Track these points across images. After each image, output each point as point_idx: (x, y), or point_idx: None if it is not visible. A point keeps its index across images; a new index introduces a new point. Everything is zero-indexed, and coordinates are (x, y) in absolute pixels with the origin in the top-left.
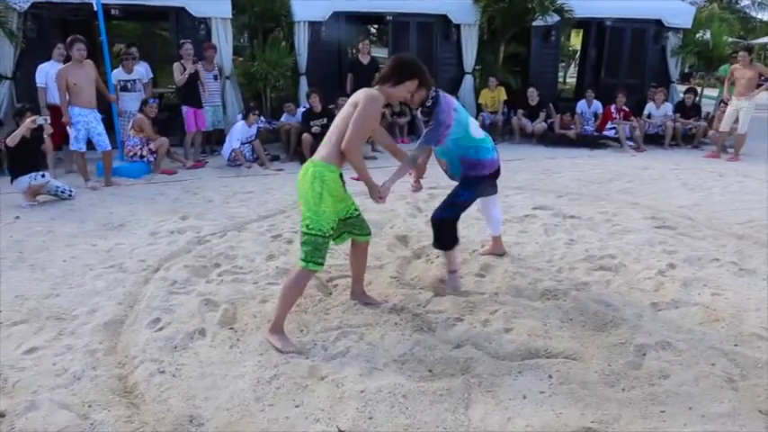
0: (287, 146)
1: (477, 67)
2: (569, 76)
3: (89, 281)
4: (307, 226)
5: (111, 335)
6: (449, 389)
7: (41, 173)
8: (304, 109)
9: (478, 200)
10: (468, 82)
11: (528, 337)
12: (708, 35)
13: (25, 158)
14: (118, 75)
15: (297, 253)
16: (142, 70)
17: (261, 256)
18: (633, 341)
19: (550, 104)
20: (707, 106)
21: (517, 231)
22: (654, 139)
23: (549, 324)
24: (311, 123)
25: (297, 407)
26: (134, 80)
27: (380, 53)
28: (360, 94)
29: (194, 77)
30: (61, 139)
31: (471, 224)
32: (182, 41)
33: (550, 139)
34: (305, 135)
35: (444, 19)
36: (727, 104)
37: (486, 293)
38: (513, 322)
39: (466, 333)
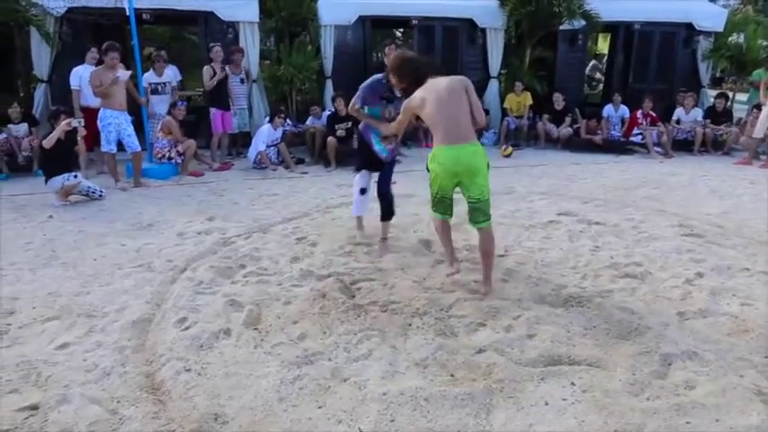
0: (312, 149)
1: (502, 72)
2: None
3: (118, 279)
4: (485, 193)
5: (140, 333)
6: (470, 393)
7: (74, 173)
8: (329, 112)
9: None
10: (493, 86)
11: (551, 344)
12: (741, 38)
13: (59, 159)
14: (148, 78)
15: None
16: (171, 73)
17: (285, 258)
18: (658, 350)
19: (576, 109)
20: (739, 111)
21: (541, 237)
22: (683, 146)
23: (572, 331)
24: (336, 127)
25: (319, 408)
26: (164, 83)
27: None
28: (455, 81)
29: (222, 80)
30: (93, 140)
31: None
32: (211, 45)
33: (576, 144)
34: (330, 138)
35: (470, 23)
36: (760, 109)
37: (509, 299)
38: (536, 328)
39: (488, 338)
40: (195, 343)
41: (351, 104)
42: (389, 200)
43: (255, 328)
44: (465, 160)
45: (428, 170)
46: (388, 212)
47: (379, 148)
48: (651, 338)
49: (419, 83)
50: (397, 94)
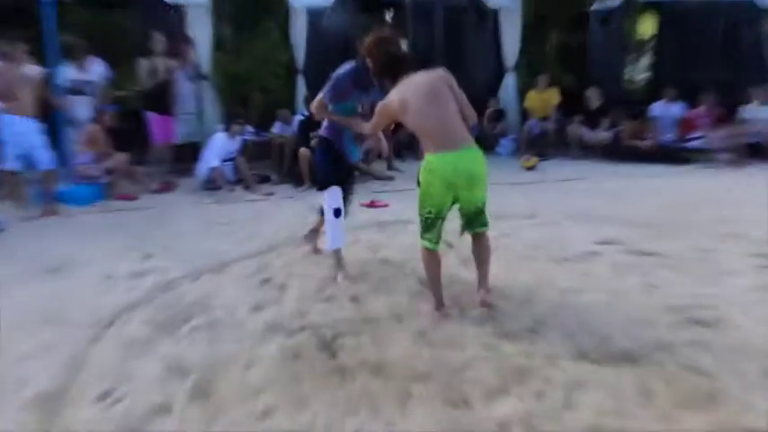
0: (279, 164)
1: (521, 63)
2: (639, 71)
3: (21, 340)
4: (484, 203)
5: (48, 412)
6: None
7: None
8: (302, 117)
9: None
10: (509, 81)
11: (596, 416)
12: None
13: None
14: (68, 74)
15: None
16: (98, 69)
17: (246, 307)
18: (740, 423)
19: (616, 108)
20: None
21: (577, 274)
22: (757, 152)
23: (623, 398)
24: (310, 135)
25: None
26: (88, 81)
27: None
28: (434, 78)
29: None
30: None
31: (515, 264)
32: (151, 32)
33: (617, 152)
34: (302, 150)
35: (478, 2)
36: None
37: (538, 355)
38: (575, 395)
39: (513, 409)
40: (124, 424)
41: (316, 103)
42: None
43: (205, 402)
44: (464, 167)
45: (418, 184)
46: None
47: (351, 150)
48: (731, 407)
49: (394, 76)
50: (375, 82)
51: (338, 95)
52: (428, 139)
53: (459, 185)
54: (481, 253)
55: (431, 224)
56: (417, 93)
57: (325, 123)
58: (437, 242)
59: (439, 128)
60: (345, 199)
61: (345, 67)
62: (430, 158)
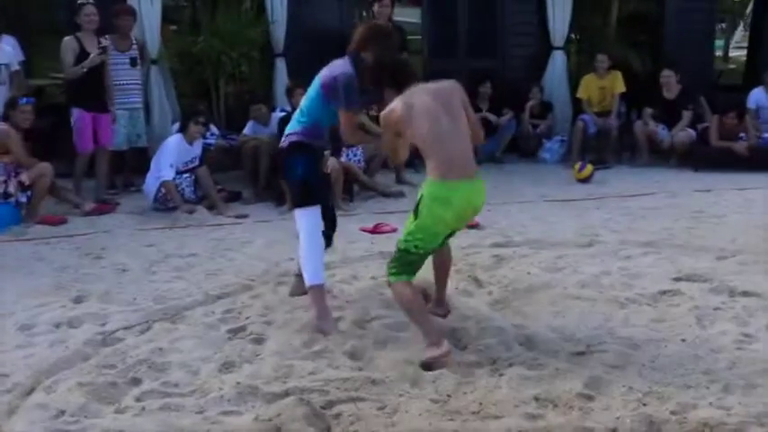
0: (254, 176)
1: (573, 39)
2: (734, 47)
3: None
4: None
5: None
6: None
7: None
8: (282, 113)
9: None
10: (557, 63)
11: None
12: None
13: None
14: None
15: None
16: (9, 49)
17: (210, 366)
18: None
19: (702, 98)
20: None
21: (649, 320)
22: None
23: None
24: None
25: None
26: None
27: (409, 17)
28: (448, 89)
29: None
30: None
31: (567, 307)
32: (79, 2)
33: (703, 157)
34: None
35: None
36: None
37: (600, 424)
38: None
39: None
40: None
41: (348, 122)
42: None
43: None
44: (476, 202)
45: (416, 214)
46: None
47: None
48: None
49: (399, 86)
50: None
51: (352, 100)
52: (437, 158)
53: (462, 221)
54: (445, 257)
55: (413, 262)
56: (427, 101)
57: (299, 128)
58: (415, 273)
59: (451, 146)
60: (328, 218)
61: (343, 71)
62: (441, 187)
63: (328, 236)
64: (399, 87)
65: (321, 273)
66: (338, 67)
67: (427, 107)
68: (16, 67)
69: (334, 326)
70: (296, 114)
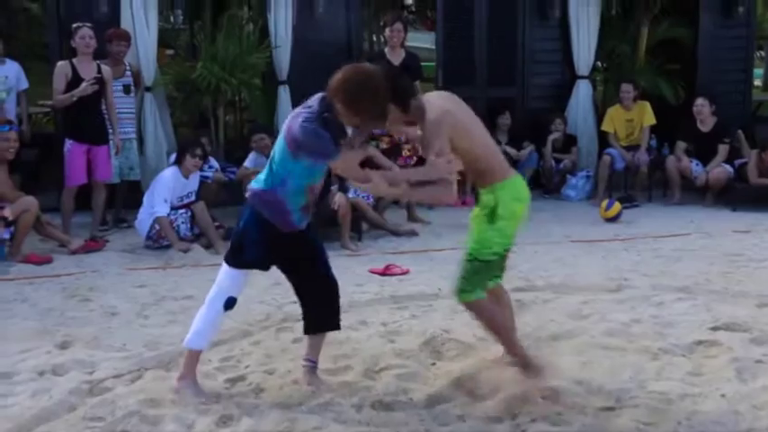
0: None
1: (599, 67)
2: None
3: None
4: None
5: None
6: None
7: None
8: None
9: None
10: (582, 93)
11: None
12: None
13: None
14: None
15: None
16: (11, 73)
17: (206, 421)
18: None
19: (739, 131)
20: None
21: (684, 373)
22: None
23: None
24: None
25: None
26: None
27: (422, 42)
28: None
29: (97, 91)
30: None
31: (594, 358)
32: (74, 25)
33: (741, 194)
34: None
35: None
36: None
37: None
38: None
39: None
40: None
41: (342, 170)
42: (336, 284)
43: None
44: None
45: (492, 220)
46: (333, 311)
47: (297, 217)
48: None
49: (402, 98)
50: (347, 131)
51: (327, 148)
52: (495, 159)
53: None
54: (509, 306)
55: (490, 270)
56: (456, 104)
57: (259, 191)
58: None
59: (495, 146)
60: (313, 274)
61: (304, 110)
62: (514, 184)
63: (325, 319)
64: (403, 101)
65: (206, 338)
66: (300, 115)
67: (463, 112)
68: (2, 95)
69: (197, 394)
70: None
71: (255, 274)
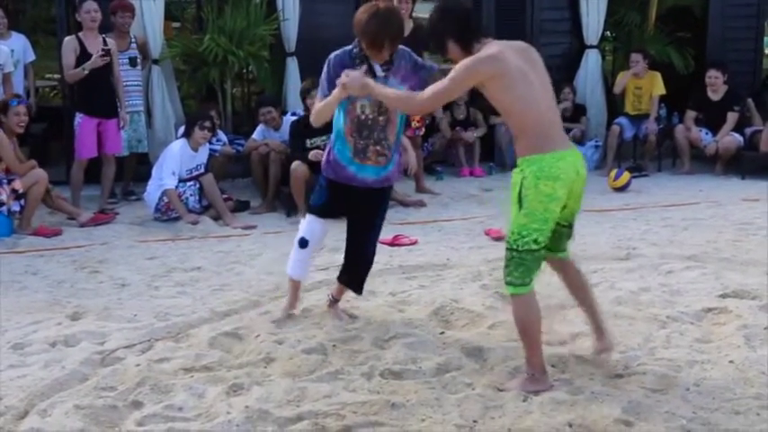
0: (263, 184)
1: (608, 36)
2: None
3: None
4: None
5: None
6: None
7: None
8: (295, 117)
9: None
10: (591, 62)
11: None
12: None
13: None
14: None
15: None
16: (17, 45)
17: (217, 389)
18: None
19: (749, 99)
20: None
21: (692, 340)
22: None
23: None
24: (308, 143)
25: None
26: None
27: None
28: (529, 48)
29: (105, 64)
30: None
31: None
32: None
33: (751, 163)
34: (296, 164)
35: None
36: None
37: None
38: None
39: None
40: None
41: (314, 109)
42: (370, 263)
43: None
44: (583, 169)
45: (519, 203)
46: (358, 277)
47: (362, 170)
48: None
49: (467, 36)
50: (379, 72)
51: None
52: (533, 129)
53: (574, 195)
54: (581, 279)
55: (537, 260)
56: (521, 57)
57: (324, 157)
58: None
59: (549, 113)
60: (357, 239)
61: (338, 52)
62: (544, 160)
63: (351, 279)
64: (467, 40)
65: (298, 270)
66: (339, 51)
67: (519, 66)
68: (10, 68)
69: (285, 315)
70: None
71: (263, 247)
